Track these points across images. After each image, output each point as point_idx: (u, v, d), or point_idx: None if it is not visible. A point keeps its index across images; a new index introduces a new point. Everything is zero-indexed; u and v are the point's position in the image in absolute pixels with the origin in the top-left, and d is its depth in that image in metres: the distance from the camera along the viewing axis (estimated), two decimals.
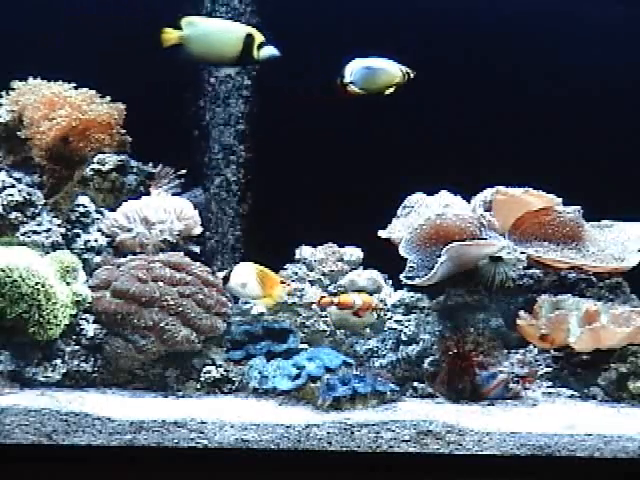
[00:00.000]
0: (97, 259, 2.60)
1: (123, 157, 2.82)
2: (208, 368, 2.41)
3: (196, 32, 2.60)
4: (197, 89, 3.02)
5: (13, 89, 2.73)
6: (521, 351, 2.52)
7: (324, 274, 2.76)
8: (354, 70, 2.61)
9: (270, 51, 2.57)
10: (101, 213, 2.73)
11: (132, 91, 2.72)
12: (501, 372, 2.38)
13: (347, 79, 2.60)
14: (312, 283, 2.74)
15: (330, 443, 2.06)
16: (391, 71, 2.64)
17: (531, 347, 2.54)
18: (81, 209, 2.67)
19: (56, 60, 2.79)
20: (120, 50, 3.04)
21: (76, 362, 2.37)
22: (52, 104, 2.64)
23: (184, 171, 2.86)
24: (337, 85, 2.61)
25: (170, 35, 2.61)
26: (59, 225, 2.61)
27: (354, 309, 2.48)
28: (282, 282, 2.50)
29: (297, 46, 2.97)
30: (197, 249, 2.75)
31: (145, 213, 2.68)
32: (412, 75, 2.65)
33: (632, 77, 3.18)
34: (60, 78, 2.73)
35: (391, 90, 2.63)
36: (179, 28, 2.61)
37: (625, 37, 3.22)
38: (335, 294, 2.74)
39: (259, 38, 2.58)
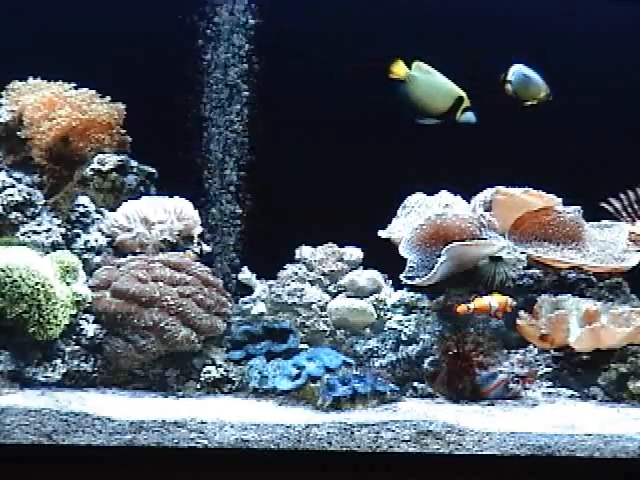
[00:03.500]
0: (97, 259, 2.60)
1: (123, 157, 2.81)
2: (208, 368, 2.41)
3: (422, 77, 2.75)
4: (197, 89, 3.02)
5: (13, 89, 2.73)
6: (521, 351, 2.53)
7: (324, 274, 2.76)
8: (515, 72, 2.78)
9: (469, 117, 2.75)
10: (101, 213, 2.73)
11: (132, 91, 2.72)
12: (501, 372, 2.38)
13: (508, 77, 2.77)
14: (312, 283, 2.74)
15: (330, 443, 2.06)
16: (541, 87, 2.79)
17: (531, 347, 2.54)
18: (81, 209, 2.67)
19: (56, 60, 2.79)
20: (120, 50, 3.04)
21: (76, 362, 2.37)
22: (52, 104, 2.64)
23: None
24: (500, 80, 2.78)
25: (399, 68, 2.75)
26: (59, 225, 2.61)
27: (492, 312, 2.44)
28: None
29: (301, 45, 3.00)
30: (198, 249, 2.76)
31: (145, 213, 2.68)
32: (550, 98, 2.79)
33: (632, 77, 3.18)
34: (60, 78, 2.73)
35: (531, 103, 2.78)
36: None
37: (625, 37, 3.22)
38: (337, 292, 2.74)
39: (466, 103, 2.75)
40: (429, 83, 2.76)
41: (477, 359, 2.37)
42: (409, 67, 2.78)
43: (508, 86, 2.77)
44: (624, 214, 2.78)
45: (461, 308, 2.42)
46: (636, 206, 2.77)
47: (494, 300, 2.44)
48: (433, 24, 3.17)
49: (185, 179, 2.93)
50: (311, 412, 2.21)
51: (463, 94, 2.76)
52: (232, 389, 2.41)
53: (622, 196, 2.80)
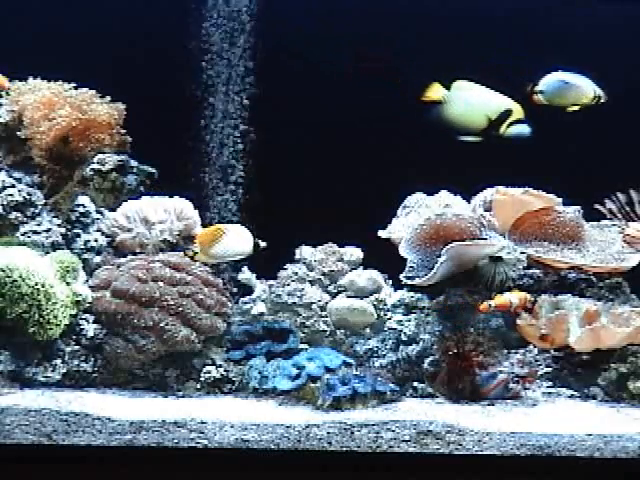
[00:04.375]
0: (97, 259, 2.60)
1: (123, 157, 2.81)
2: (208, 368, 2.41)
3: (459, 94, 2.63)
4: (197, 89, 3.02)
5: (13, 89, 2.73)
6: (521, 351, 2.52)
7: (324, 274, 2.76)
8: (549, 81, 2.67)
9: (519, 129, 2.61)
10: (101, 213, 2.73)
11: (132, 91, 2.72)
12: (501, 372, 2.38)
13: (538, 88, 2.65)
14: (312, 283, 2.74)
15: (330, 443, 2.06)
16: (584, 90, 2.67)
17: (531, 347, 2.54)
18: (81, 209, 2.67)
19: (56, 60, 2.79)
20: (120, 50, 3.04)
21: (76, 362, 2.37)
22: (52, 104, 2.64)
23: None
24: (527, 91, 2.66)
25: (434, 91, 2.64)
26: (59, 225, 2.61)
27: (512, 308, 2.44)
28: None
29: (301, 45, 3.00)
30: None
31: (145, 213, 2.68)
32: (603, 100, 2.67)
33: (632, 76, 3.18)
34: (60, 78, 2.73)
35: (575, 109, 2.66)
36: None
37: (625, 37, 3.22)
38: (337, 292, 2.74)
39: (517, 115, 2.61)
40: (467, 100, 2.65)
41: (477, 359, 2.37)
42: (448, 88, 2.69)
43: (539, 97, 2.67)
44: (619, 215, 2.77)
45: (484, 306, 2.41)
46: (628, 208, 2.77)
47: (514, 297, 2.45)
48: (434, 23, 3.18)
49: (185, 179, 2.93)
50: (311, 412, 2.21)
51: (511, 107, 2.63)
52: (232, 389, 2.41)
53: (616, 197, 2.79)
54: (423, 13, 3.16)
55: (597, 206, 2.79)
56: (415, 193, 2.89)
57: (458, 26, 3.19)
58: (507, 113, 2.62)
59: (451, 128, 2.67)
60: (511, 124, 2.64)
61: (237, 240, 2.52)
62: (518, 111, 2.64)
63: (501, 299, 2.43)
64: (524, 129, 2.64)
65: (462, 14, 3.19)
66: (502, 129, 2.62)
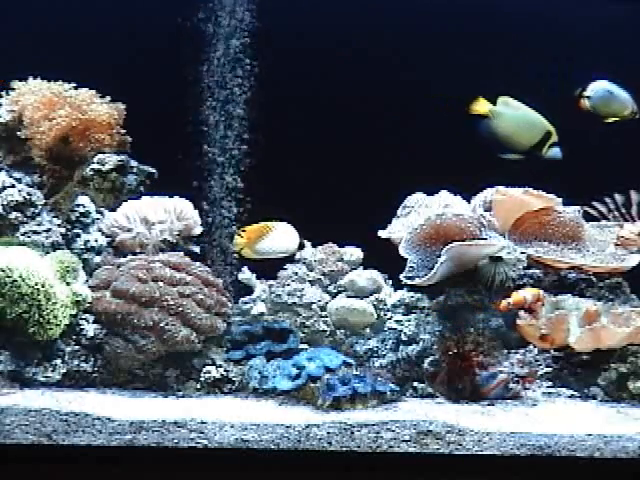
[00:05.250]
0: (97, 259, 2.60)
1: (123, 157, 2.81)
2: (208, 368, 2.41)
3: (508, 111, 2.70)
4: (197, 89, 3.02)
5: (13, 89, 2.73)
6: (521, 351, 2.52)
7: (324, 274, 2.76)
8: (597, 88, 2.71)
9: (555, 153, 2.70)
10: (101, 213, 2.73)
11: (132, 91, 2.72)
12: (501, 372, 2.38)
13: (587, 93, 2.70)
14: (312, 283, 2.74)
15: (330, 443, 2.06)
16: (626, 104, 2.73)
17: (531, 347, 2.54)
18: (81, 209, 2.67)
19: (56, 60, 2.79)
20: (120, 50, 3.04)
21: (76, 362, 2.37)
22: (52, 104, 2.64)
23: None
24: (575, 94, 2.72)
25: (482, 105, 2.71)
26: (59, 225, 2.61)
27: (527, 304, 2.45)
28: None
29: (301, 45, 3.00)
30: (197, 249, 2.76)
31: (145, 213, 2.68)
32: (637, 116, 2.73)
33: (631, 77, 3.18)
34: (60, 78, 2.73)
35: (613, 120, 2.72)
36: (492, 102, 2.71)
37: (625, 36, 3.22)
38: (337, 292, 2.74)
39: (554, 138, 2.70)
40: (516, 118, 2.71)
41: (477, 359, 2.37)
42: (493, 103, 2.73)
43: (585, 101, 2.71)
44: (610, 217, 2.77)
45: (503, 305, 2.43)
46: (624, 209, 2.76)
47: (528, 293, 2.46)
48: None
49: (185, 179, 2.93)
50: (311, 412, 2.21)
51: (552, 129, 2.71)
52: (232, 389, 2.41)
53: (607, 200, 2.79)
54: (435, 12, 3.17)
55: (586, 208, 2.79)
56: (415, 193, 2.89)
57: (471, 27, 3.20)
58: (549, 135, 2.70)
59: (498, 143, 2.73)
60: (550, 146, 2.72)
61: (283, 238, 2.54)
62: (555, 134, 2.72)
63: (517, 296, 2.45)
64: (558, 153, 2.72)
65: (463, 10, 3.20)
66: (544, 150, 2.70)
